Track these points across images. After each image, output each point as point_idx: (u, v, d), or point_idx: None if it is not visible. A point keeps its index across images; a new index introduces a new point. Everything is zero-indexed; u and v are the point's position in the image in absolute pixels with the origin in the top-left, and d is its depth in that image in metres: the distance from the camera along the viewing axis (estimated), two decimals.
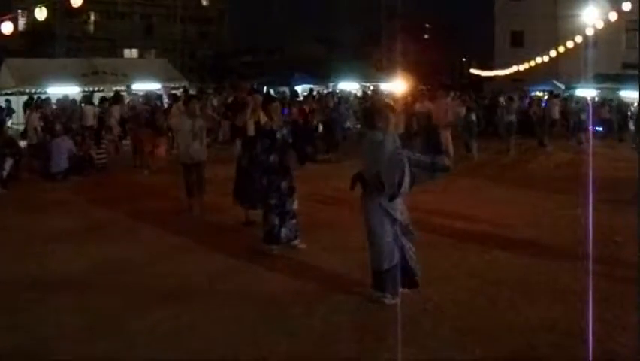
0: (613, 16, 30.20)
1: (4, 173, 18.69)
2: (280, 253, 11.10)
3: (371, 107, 9.91)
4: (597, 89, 45.20)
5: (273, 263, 10.60)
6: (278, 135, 11.37)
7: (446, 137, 20.46)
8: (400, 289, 8.62)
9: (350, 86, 49.46)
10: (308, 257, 10.83)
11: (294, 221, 11.36)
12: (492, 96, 40.62)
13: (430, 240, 11.92)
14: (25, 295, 9.37)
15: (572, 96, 42.70)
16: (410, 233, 8.89)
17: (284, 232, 11.23)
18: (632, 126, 34.25)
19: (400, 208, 8.72)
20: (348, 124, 33.33)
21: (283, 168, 11.34)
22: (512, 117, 28.53)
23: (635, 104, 36.22)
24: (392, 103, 9.85)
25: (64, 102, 29.18)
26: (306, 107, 24.92)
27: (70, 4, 18.69)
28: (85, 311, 8.64)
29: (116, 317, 8.41)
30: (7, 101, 29.94)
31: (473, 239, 12.21)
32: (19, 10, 48.80)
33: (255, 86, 44.56)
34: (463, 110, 27.69)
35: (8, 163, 18.92)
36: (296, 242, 11.38)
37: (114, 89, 33.42)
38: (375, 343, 7.49)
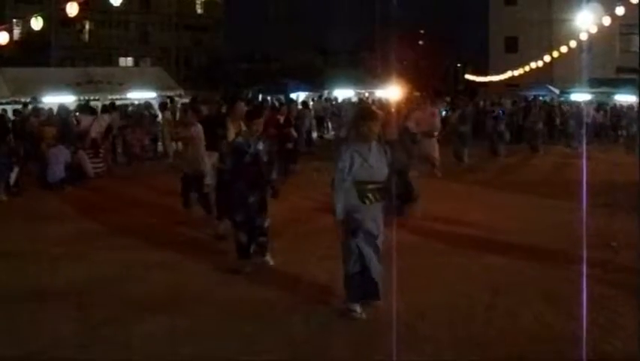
0: (607, 21, 30.31)
1: (11, 181, 18.83)
2: (270, 264, 10.91)
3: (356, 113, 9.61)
4: (592, 93, 45.30)
5: (268, 272, 10.62)
6: (251, 150, 10.68)
7: (431, 145, 20.20)
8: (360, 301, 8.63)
9: (345, 93, 49.44)
10: (303, 266, 10.83)
11: (262, 239, 10.79)
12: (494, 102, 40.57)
13: (426, 245, 12.01)
14: (24, 303, 9.42)
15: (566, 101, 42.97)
16: (374, 246, 8.60)
17: (252, 248, 10.69)
18: (623, 131, 34.40)
19: (368, 216, 8.56)
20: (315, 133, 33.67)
21: (253, 184, 10.70)
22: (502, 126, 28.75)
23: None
24: (377, 110, 9.50)
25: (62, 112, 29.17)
26: (280, 117, 22.75)
27: (65, 14, 18.68)
28: (83, 319, 8.69)
29: (114, 325, 8.45)
30: (4, 110, 29.85)
31: (468, 245, 12.26)
32: (14, 20, 48.74)
33: (250, 95, 44.65)
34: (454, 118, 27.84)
35: (15, 171, 19.08)
36: (267, 258, 10.89)
37: (109, 97, 33.40)
38: (372, 348, 7.54)
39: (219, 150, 12.78)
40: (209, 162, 13.99)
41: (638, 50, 55.23)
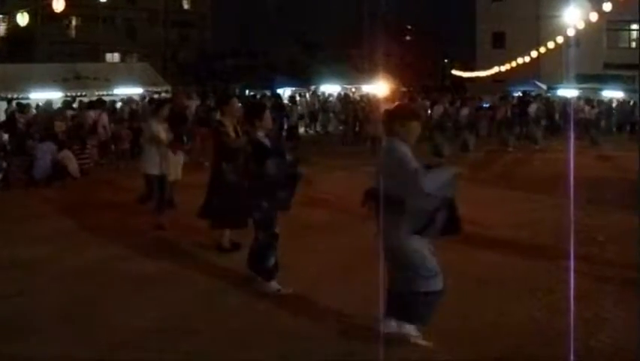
0: (594, 17, 30.41)
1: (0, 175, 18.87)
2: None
3: (393, 110, 7.81)
4: (579, 89, 45.43)
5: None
6: (280, 150, 9.79)
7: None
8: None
9: (332, 89, 49.47)
10: (290, 261, 10.76)
11: None
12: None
13: None
14: (11, 300, 9.40)
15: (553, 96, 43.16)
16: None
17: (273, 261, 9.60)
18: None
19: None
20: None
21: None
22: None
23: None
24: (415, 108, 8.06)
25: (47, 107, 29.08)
26: None
27: (52, 9, 18.63)
28: (76, 320, 8.67)
29: (104, 323, 8.44)
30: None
31: (456, 240, 12.21)
32: (0, 16, 48.57)
33: (237, 90, 44.64)
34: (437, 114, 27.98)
35: (3, 166, 19.10)
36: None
37: (96, 93, 33.33)
38: (361, 344, 7.52)
39: (226, 154, 11.42)
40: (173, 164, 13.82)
41: (625, 46, 55.67)
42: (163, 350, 7.59)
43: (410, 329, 7.48)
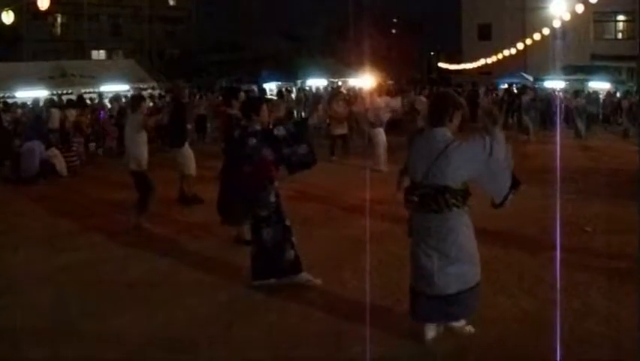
0: (580, 8, 30.45)
1: None
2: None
3: (438, 99, 7.64)
4: (566, 80, 45.51)
5: (242, 263, 10.03)
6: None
7: (374, 136, 19.57)
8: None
9: (318, 82, 49.36)
10: None
11: None
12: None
13: (399, 232, 11.97)
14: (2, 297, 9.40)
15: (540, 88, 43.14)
16: None
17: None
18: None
19: None
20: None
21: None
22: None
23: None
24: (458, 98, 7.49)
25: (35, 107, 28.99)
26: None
27: (37, 7, 18.54)
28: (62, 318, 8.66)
29: (91, 317, 8.42)
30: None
31: None
32: None
33: (224, 85, 44.65)
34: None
35: None
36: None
37: (83, 91, 33.28)
38: (350, 336, 7.53)
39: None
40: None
41: (612, 37, 55.84)
42: (150, 345, 7.61)
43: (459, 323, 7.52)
